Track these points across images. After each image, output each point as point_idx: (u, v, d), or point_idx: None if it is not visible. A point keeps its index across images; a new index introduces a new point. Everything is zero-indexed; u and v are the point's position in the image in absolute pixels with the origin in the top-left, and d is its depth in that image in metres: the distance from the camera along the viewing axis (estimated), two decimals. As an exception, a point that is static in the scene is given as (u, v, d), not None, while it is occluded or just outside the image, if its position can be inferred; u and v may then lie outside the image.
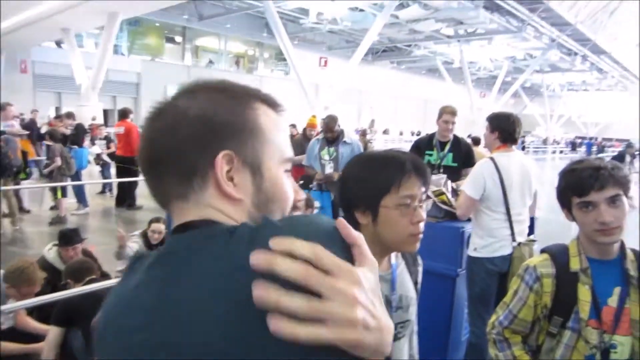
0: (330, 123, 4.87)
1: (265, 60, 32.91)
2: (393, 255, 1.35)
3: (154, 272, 0.57)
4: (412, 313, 1.38)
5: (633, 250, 1.49)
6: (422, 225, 1.22)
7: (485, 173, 2.99)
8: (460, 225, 3.19)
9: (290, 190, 0.69)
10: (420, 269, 1.48)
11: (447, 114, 4.08)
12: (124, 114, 8.26)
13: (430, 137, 4.23)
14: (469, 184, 3.04)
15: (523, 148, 26.68)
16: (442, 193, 3.27)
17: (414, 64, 37.94)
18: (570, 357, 1.44)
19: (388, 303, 1.28)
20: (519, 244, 2.92)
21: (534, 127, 45.53)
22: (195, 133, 0.62)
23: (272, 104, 0.70)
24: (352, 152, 4.72)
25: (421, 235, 1.23)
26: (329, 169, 4.78)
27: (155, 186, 0.66)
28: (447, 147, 4.10)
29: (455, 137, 4.17)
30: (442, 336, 3.25)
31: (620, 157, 12.66)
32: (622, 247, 1.47)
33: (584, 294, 1.43)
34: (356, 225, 1.26)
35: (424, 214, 1.22)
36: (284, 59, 20.71)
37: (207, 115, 0.63)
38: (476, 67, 34.02)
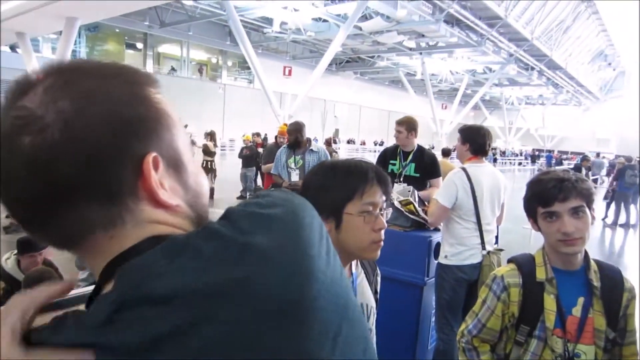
0: (295, 129, 4.88)
1: (229, 69, 32.74)
2: (353, 264, 1.34)
3: None
4: (372, 323, 1.37)
5: (596, 261, 1.52)
6: (382, 233, 1.22)
7: (458, 182, 3.04)
8: (427, 234, 3.21)
9: (204, 179, 0.61)
10: (379, 278, 1.48)
11: (396, 124, 4.14)
12: None
13: (396, 147, 4.26)
14: (442, 193, 3.08)
15: (495, 160, 27.32)
16: (410, 203, 3.28)
17: (377, 74, 38.60)
18: (537, 366, 1.45)
19: None
20: (488, 252, 2.98)
21: (494, 139, 46.90)
22: (103, 139, 0.47)
23: (153, 82, 0.56)
24: (318, 159, 4.70)
25: (382, 243, 1.23)
26: (295, 177, 4.74)
27: (54, 225, 0.49)
28: (410, 158, 4.14)
29: (419, 147, 4.22)
30: (409, 344, 3.25)
31: (577, 170, 13.16)
32: (586, 257, 1.49)
33: (550, 303, 1.44)
34: None
35: (384, 222, 1.23)
36: (248, 68, 20.62)
37: (113, 111, 0.49)
38: (438, 79, 34.84)
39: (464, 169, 3.08)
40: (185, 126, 8.32)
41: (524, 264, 1.52)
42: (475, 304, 1.61)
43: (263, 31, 23.71)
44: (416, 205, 3.27)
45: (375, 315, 1.40)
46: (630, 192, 11.33)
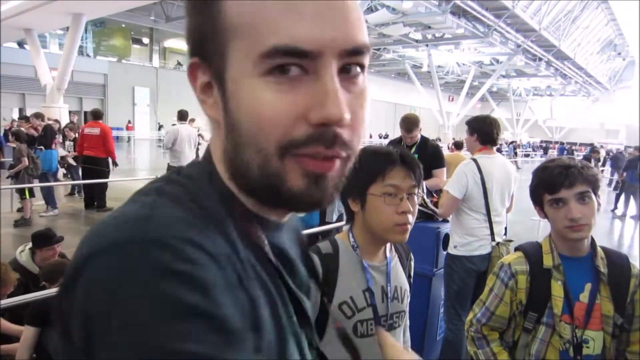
0: None
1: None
2: (387, 248, 1.38)
3: None
4: (407, 304, 1.42)
5: (603, 248, 1.53)
6: (409, 216, 1.24)
7: (468, 173, 3.05)
8: (436, 225, 3.24)
9: (285, 115, 0.45)
10: (412, 263, 1.52)
11: (402, 129, 4.13)
12: (97, 115, 8.04)
13: (400, 139, 4.28)
14: (452, 184, 3.09)
15: (515, 154, 26.96)
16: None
17: (384, 67, 38.39)
18: (545, 352, 1.47)
19: (384, 293, 1.33)
20: (498, 243, 2.98)
21: (502, 131, 46.59)
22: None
23: None
24: None
25: (409, 226, 1.26)
26: None
27: None
28: (413, 149, 4.16)
29: (423, 138, 4.22)
30: (418, 334, 3.28)
31: (587, 160, 13.08)
32: (593, 244, 1.51)
33: (557, 290, 1.46)
34: (351, 213, 1.33)
35: (411, 206, 1.25)
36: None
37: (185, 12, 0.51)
38: (444, 71, 34.65)
39: (474, 160, 3.09)
40: (192, 120, 8.35)
41: (531, 251, 1.54)
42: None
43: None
44: (425, 197, 3.28)
45: (409, 298, 1.45)
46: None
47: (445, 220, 3.29)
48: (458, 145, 8.65)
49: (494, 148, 3.22)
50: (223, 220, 0.49)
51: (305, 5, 0.44)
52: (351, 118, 0.46)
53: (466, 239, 3.04)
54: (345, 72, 0.47)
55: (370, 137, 37.42)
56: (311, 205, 0.50)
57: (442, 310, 3.32)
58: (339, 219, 4.57)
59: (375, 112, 42.93)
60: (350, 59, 0.47)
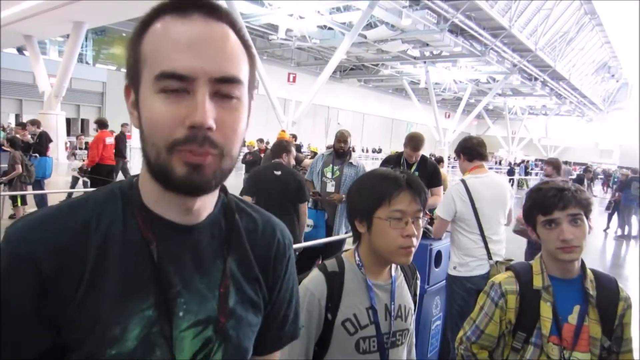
0: (340, 137, 4.60)
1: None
2: (393, 268, 1.41)
3: None
4: (410, 323, 1.44)
5: (593, 271, 1.55)
6: (414, 239, 1.27)
7: (455, 195, 3.09)
8: (428, 242, 3.25)
9: (169, 121, 0.63)
10: (418, 282, 1.54)
11: (407, 148, 4.15)
12: (104, 124, 8.09)
13: (399, 155, 4.31)
14: (441, 206, 3.17)
15: (527, 173, 26.73)
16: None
17: (381, 82, 38.68)
18: (533, 372, 1.48)
19: (387, 311, 1.36)
20: (496, 262, 2.97)
21: (497, 148, 46.96)
22: None
23: (176, 7, 0.65)
24: (356, 174, 4.42)
25: (413, 249, 1.28)
26: (330, 188, 4.47)
27: None
28: (414, 167, 4.19)
29: (423, 157, 4.27)
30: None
31: (579, 180, 13.16)
32: (583, 266, 1.52)
33: (546, 310, 1.47)
34: (357, 233, 1.38)
35: (415, 230, 1.27)
36: (254, 74, 20.81)
37: None
38: (441, 88, 34.91)
39: (462, 181, 3.12)
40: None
41: (522, 271, 1.56)
42: None
43: (268, 38, 23.82)
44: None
45: (414, 316, 1.47)
46: (634, 205, 11.33)
47: (438, 238, 3.31)
48: (437, 161, 8.82)
49: (486, 166, 3.26)
50: (115, 217, 0.69)
51: (186, 43, 0.62)
52: (220, 127, 0.64)
53: (464, 259, 3.06)
54: (221, 96, 0.64)
55: (365, 151, 37.59)
56: (194, 188, 0.66)
57: (432, 327, 3.32)
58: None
59: (372, 126, 43.18)
60: (222, 86, 0.64)
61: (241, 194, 4.21)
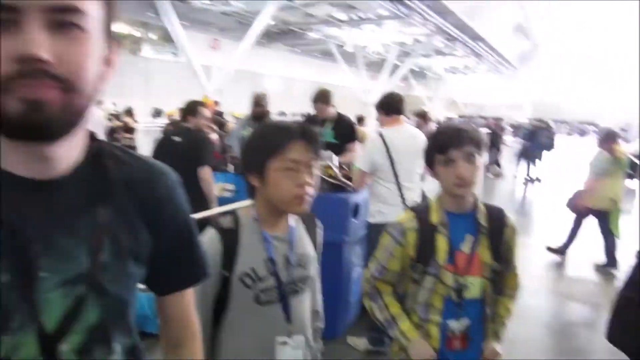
0: (259, 101, 4.79)
1: (152, 42, 31.17)
2: (292, 218, 1.44)
3: None
4: (312, 270, 1.48)
5: (485, 205, 1.71)
6: (309, 188, 1.31)
7: (374, 148, 3.22)
8: (345, 196, 3.38)
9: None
10: (319, 231, 1.59)
11: (312, 102, 4.31)
12: None
13: (314, 115, 4.38)
14: (360, 159, 3.30)
15: None
16: (329, 167, 3.42)
17: (308, 47, 38.23)
18: (431, 299, 1.62)
19: (287, 261, 1.38)
20: (410, 208, 3.16)
21: (420, 107, 48.35)
22: None
23: None
24: None
25: (309, 198, 1.32)
26: None
27: None
28: (329, 125, 4.26)
29: (339, 115, 4.34)
30: (332, 300, 3.42)
31: (493, 132, 13.98)
32: (476, 201, 1.67)
33: (442, 242, 1.61)
34: (252, 188, 1.38)
35: (311, 179, 1.32)
36: (173, 40, 19.77)
37: None
38: (367, 51, 35.13)
39: (380, 134, 3.26)
40: (100, 103, 7.95)
41: (421, 210, 1.69)
42: None
43: (190, 2, 22.70)
44: (335, 170, 3.41)
45: (316, 264, 1.52)
46: (540, 151, 12.36)
47: (355, 191, 3.45)
48: (359, 120, 9.14)
49: (402, 120, 3.40)
50: None
51: None
52: (62, 60, 0.59)
53: (382, 207, 3.22)
54: (58, 26, 0.60)
55: (293, 116, 37.38)
56: (36, 129, 0.61)
57: (354, 275, 3.49)
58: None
59: (300, 92, 42.87)
60: (58, 15, 0.60)
61: None
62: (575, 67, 47.73)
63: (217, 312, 1.34)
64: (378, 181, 3.27)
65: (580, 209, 5.70)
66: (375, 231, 3.25)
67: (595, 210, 5.56)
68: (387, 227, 1.74)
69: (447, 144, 1.57)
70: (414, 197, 3.32)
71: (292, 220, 1.44)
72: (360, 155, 3.31)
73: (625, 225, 5.69)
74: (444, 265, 1.60)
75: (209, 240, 1.31)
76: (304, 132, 1.31)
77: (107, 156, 0.77)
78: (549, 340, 3.84)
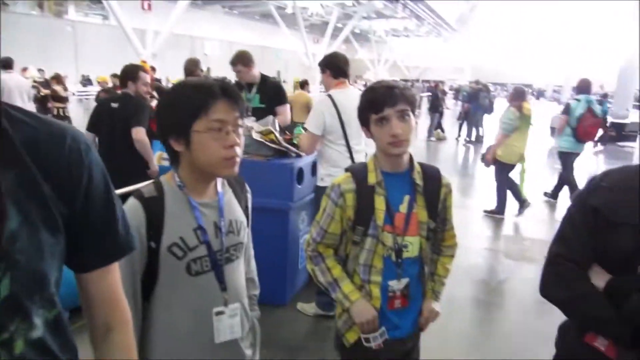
0: (190, 66, 4.59)
1: (77, 3, 29.13)
2: (219, 183, 1.37)
3: None
4: (244, 236, 1.43)
5: (420, 163, 1.71)
6: (237, 149, 1.24)
7: (324, 109, 3.16)
8: (290, 161, 3.33)
9: None
10: (249, 195, 1.53)
11: (231, 65, 4.08)
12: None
13: (236, 81, 4.21)
14: (311, 122, 3.21)
15: None
16: (271, 132, 3.35)
17: (247, 9, 37.12)
18: (371, 260, 1.63)
19: (217, 229, 1.32)
20: None
21: (364, 71, 48.59)
22: None
23: None
24: None
25: (237, 159, 1.26)
26: None
27: None
28: (254, 89, 4.14)
29: (263, 77, 4.19)
30: (280, 266, 3.44)
31: (434, 95, 14.25)
32: (411, 160, 1.67)
33: (380, 203, 1.61)
34: (175, 154, 1.28)
35: (238, 139, 1.25)
36: (100, 1, 18.51)
37: None
38: (308, 13, 34.55)
39: (329, 96, 3.21)
40: (24, 69, 7.39)
41: (358, 171, 1.67)
42: None
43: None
44: (277, 135, 3.34)
45: (248, 230, 1.46)
46: (480, 113, 12.73)
47: (298, 155, 3.41)
48: (302, 85, 9.04)
49: (347, 82, 3.36)
50: None
51: None
52: None
53: (331, 170, 3.20)
54: None
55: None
56: None
57: (301, 240, 3.49)
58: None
59: (241, 56, 41.77)
60: None
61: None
62: (512, 29, 49.12)
63: (146, 286, 1.28)
64: (328, 144, 3.23)
65: (490, 162, 6.06)
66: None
67: (504, 163, 5.93)
68: (326, 190, 1.71)
69: (380, 103, 1.55)
70: (362, 160, 3.32)
71: (220, 185, 1.38)
72: (311, 118, 3.22)
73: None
74: (383, 226, 1.61)
75: (131, 211, 1.23)
76: (225, 89, 1.23)
77: (6, 118, 0.70)
78: (487, 297, 4.03)
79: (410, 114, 1.57)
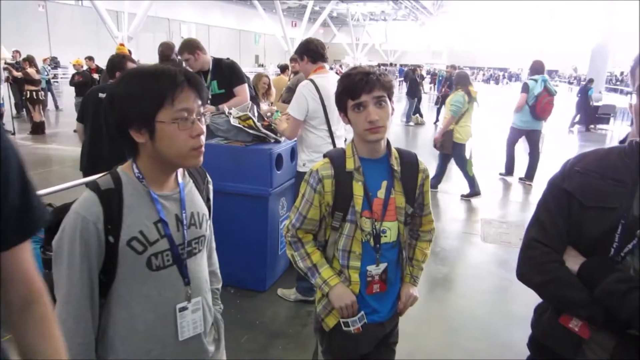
0: (165, 51, 4.45)
1: (50, -16, 28.22)
2: (179, 174, 1.33)
3: None
4: (206, 228, 1.39)
5: (397, 149, 1.72)
6: (202, 138, 1.22)
7: (307, 94, 3.14)
8: (268, 147, 3.31)
9: None
10: (210, 186, 1.49)
11: (185, 54, 3.97)
12: None
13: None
14: (293, 107, 3.18)
15: None
16: (249, 118, 3.32)
17: (224, -9, 36.52)
18: (350, 245, 1.65)
19: (179, 221, 1.28)
20: None
21: (343, 55, 48.39)
22: None
23: None
24: None
25: (203, 149, 1.23)
26: None
27: None
28: (209, 76, 4.04)
29: (215, 60, 4.07)
30: (260, 252, 3.44)
31: (411, 80, 14.26)
32: (389, 146, 1.68)
33: (358, 189, 1.62)
34: (134, 145, 1.21)
35: (203, 127, 1.22)
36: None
37: None
38: (286, -4, 34.16)
39: (311, 80, 3.18)
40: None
41: (336, 157, 1.67)
42: None
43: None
44: (255, 120, 3.32)
45: (209, 222, 1.43)
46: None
47: (277, 142, 3.39)
48: (282, 69, 8.96)
49: (327, 67, 3.35)
50: None
51: None
52: None
53: (312, 155, 3.19)
54: None
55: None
56: None
57: (281, 226, 3.49)
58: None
59: (219, 40, 41.20)
60: None
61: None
62: (488, 14, 49.38)
63: (103, 283, 1.21)
64: (310, 129, 3.21)
65: (438, 144, 6.26)
66: None
67: (460, 144, 6.12)
68: (305, 176, 1.71)
69: (356, 89, 1.55)
70: (342, 145, 3.32)
71: (180, 177, 1.33)
72: (293, 103, 3.18)
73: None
74: (361, 212, 1.62)
75: (86, 204, 1.16)
76: (188, 77, 1.18)
77: None
78: (464, 281, 4.10)
79: (387, 100, 1.57)
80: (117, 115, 1.18)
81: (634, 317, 1.07)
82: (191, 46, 3.89)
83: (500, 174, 7.46)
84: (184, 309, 1.29)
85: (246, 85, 3.96)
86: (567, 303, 1.22)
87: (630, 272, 1.12)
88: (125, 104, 1.17)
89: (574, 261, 1.21)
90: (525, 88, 6.87)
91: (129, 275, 1.21)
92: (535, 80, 6.81)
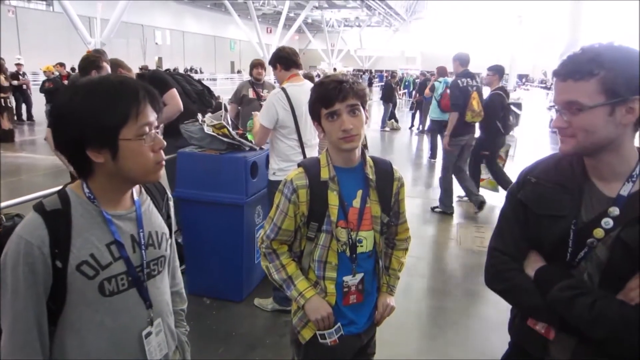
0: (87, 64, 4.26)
1: (19, -11, 27.61)
2: (135, 192, 1.26)
3: None
4: (166, 248, 1.32)
5: (372, 157, 1.71)
6: (162, 152, 1.18)
7: (277, 103, 3.11)
8: (243, 155, 3.28)
9: None
10: (171, 203, 1.44)
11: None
12: None
13: None
14: (263, 114, 3.15)
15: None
16: (224, 126, 3.28)
17: (199, -1, 36.30)
18: (326, 256, 1.62)
19: (135, 242, 1.21)
20: None
21: (319, 61, 48.54)
22: None
23: None
24: None
25: (164, 162, 1.19)
26: None
27: None
28: None
29: (138, 76, 3.99)
30: (236, 260, 3.40)
31: (387, 85, 14.36)
32: (363, 155, 1.67)
33: (333, 199, 1.60)
34: (89, 165, 1.12)
35: (162, 140, 1.18)
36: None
37: None
38: (260, 2, 34.13)
39: (283, 89, 3.16)
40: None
41: (310, 166, 1.65)
42: None
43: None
44: (230, 129, 3.28)
45: (170, 240, 1.35)
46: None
47: (252, 149, 3.35)
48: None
49: (300, 74, 3.33)
50: None
51: None
52: None
53: (282, 165, 3.16)
54: None
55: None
56: None
57: (257, 235, 3.45)
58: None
59: (194, 46, 40.89)
60: None
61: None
62: (461, 19, 50.24)
63: (53, 310, 1.14)
64: (280, 138, 3.18)
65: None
66: (276, 189, 3.21)
67: None
68: (279, 185, 1.69)
69: (330, 98, 1.53)
70: (314, 154, 3.30)
71: (136, 194, 1.26)
72: (263, 111, 3.15)
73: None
74: (337, 221, 1.60)
75: (30, 227, 1.08)
76: (147, 91, 1.14)
77: None
78: (441, 287, 4.09)
79: (361, 108, 1.56)
80: (72, 132, 1.08)
81: (580, 323, 1.13)
82: (113, 65, 3.74)
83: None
84: (149, 334, 1.23)
85: (174, 90, 3.81)
86: (526, 308, 1.29)
87: (584, 277, 1.17)
88: (83, 121, 1.07)
89: (532, 267, 1.26)
90: (432, 88, 8.91)
91: (80, 301, 1.13)
92: (440, 82, 8.48)
